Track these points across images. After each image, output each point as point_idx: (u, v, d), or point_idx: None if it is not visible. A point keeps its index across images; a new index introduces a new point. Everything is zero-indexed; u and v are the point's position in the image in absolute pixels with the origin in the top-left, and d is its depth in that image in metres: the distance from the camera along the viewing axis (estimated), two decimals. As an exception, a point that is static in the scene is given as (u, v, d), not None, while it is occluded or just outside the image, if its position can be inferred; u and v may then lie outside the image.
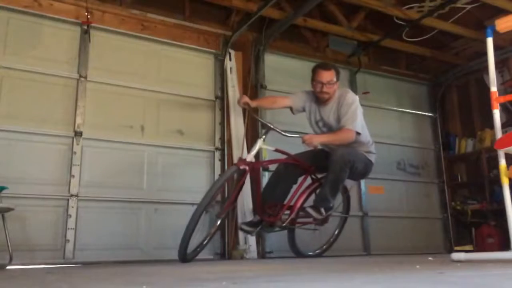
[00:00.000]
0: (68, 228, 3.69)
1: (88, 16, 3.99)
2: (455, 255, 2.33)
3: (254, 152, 3.29)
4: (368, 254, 4.90)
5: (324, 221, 3.55)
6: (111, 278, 1.76)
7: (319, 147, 3.42)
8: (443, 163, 5.83)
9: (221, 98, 4.61)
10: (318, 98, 3.51)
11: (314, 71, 3.48)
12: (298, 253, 3.78)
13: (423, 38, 5.19)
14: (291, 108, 3.66)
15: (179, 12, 4.66)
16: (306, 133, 3.43)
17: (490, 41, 2.58)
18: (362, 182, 5.17)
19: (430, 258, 2.99)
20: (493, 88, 2.52)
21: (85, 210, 3.80)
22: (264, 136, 3.36)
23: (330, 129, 3.48)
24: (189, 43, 4.58)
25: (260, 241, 4.30)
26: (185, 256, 2.94)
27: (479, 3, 4.47)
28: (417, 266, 1.99)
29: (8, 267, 3.06)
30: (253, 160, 3.28)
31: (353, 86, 5.31)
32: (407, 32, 5.06)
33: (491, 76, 2.54)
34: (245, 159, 3.25)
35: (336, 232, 3.99)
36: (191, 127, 4.43)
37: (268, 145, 3.47)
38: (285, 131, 3.35)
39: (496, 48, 2.66)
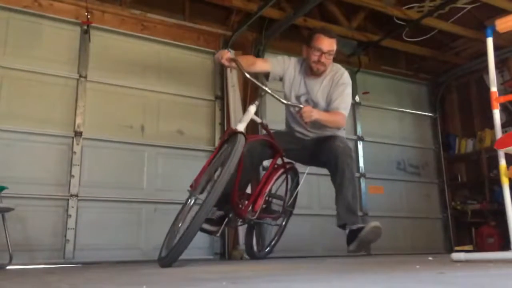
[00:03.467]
0: (68, 228, 3.69)
1: (88, 16, 3.99)
2: (455, 255, 2.32)
3: (246, 121, 2.70)
4: (368, 254, 4.90)
5: (280, 216, 3.27)
6: (111, 278, 1.75)
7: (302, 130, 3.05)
8: (443, 163, 5.83)
9: (221, 98, 4.61)
10: (309, 69, 3.03)
11: (314, 36, 2.97)
12: (253, 255, 3.41)
13: (423, 38, 5.19)
14: (266, 75, 3.10)
15: (179, 12, 4.66)
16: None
17: (490, 41, 2.58)
18: (362, 182, 5.18)
19: (430, 258, 2.99)
20: (493, 88, 2.51)
21: (85, 210, 3.80)
22: (257, 102, 2.80)
23: (314, 107, 2.97)
24: (189, 43, 4.58)
25: (260, 241, 4.30)
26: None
27: (479, 3, 4.47)
28: (417, 266, 1.99)
29: (8, 267, 3.06)
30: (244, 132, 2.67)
31: (353, 86, 5.31)
32: (407, 32, 5.06)
33: (491, 76, 2.54)
34: (235, 130, 2.61)
35: (283, 224, 3.49)
36: (191, 127, 4.43)
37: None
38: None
39: (496, 48, 2.66)
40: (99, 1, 4.20)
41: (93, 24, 4.06)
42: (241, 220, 2.94)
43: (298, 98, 3.09)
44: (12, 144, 3.66)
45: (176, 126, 4.36)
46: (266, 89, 2.78)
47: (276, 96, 2.80)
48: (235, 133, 2.58)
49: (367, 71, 5.56)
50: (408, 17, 4.78)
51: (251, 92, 4.57)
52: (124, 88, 4.20)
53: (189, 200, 2.61)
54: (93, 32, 4.10)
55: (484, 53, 2.64)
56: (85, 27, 4.03)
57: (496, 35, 2.64)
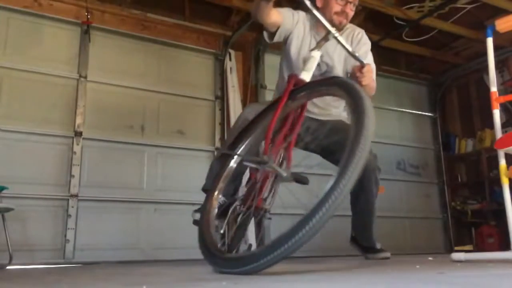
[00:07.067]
0: (68, 228, 3.69)
1: (88, 16, 3.99)
2: (455, 255, 2.32)
3: (312, 70, 2.01)
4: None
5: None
6: (111, 278, 1.75)
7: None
8: (443, 163, 5.83)
9: (221, 98, 4.61)
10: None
11: None
12: None
13: (423, 38, 5.19)
14: (271, 34, 2.44)
15: (179, 12, 4.66)
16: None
17: (490, 41, 2.58)
18: (362, 182, 5.17)
19: (430, 258, 2.99)
20: (493, 88, 2.51)
21: (85, 210, 3.80)
22: (321, 48, 2.08)
23: (327, 73, 2.43)
24: (189, 43, 4.59)
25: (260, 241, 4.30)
26: None
27: (479, 3, 4.47)
28: (417, 266, 1.99)
29: (8, 267, 3.06)
30: None
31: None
32: (407, 32, 5.06)
33: (491, 76, 2.54)
34: (301, 79, 1.96)
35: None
36: (191, 127, 4.43)
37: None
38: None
39: (496, 48, 2.66)
40: (99, 1, 4.20)
41: (93, 24, 4.06)
42: (248, 211, 1.87)
43: (306, 61, 2.27)
44: (12, 144, 3.66)
45: (176, 126, 4.37)
46: (333, 31, 2.08)
47: (343, 42, 2.10)
48: (339, 79, 1.96)
49: (367, 71, 5.55)
50: (408, 17, 4.78)
51: (251, 93, 4.58)
52: (124, 88, 4.20)
53: (232, 162, 2.05)
54: (93, 32, 4.10)
55: (484, 53, 2.64)
56: (85, 27, 4.03)
57: (496, 35, 2.64)
